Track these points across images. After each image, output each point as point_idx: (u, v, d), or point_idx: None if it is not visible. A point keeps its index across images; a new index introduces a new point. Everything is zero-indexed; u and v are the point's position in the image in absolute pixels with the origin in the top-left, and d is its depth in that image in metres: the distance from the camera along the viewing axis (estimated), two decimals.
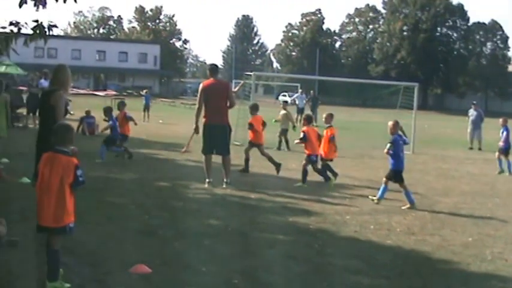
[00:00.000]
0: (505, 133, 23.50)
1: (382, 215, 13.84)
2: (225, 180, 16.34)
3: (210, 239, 10.79)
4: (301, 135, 17.76)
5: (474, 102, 36.56)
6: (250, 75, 30.98)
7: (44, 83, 28.25)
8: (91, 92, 75.06)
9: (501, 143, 23.43)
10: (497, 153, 23.47)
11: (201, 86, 16.67)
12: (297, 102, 46.16)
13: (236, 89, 33.15)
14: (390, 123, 15.40)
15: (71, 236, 8.05)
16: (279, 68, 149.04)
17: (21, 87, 39.52)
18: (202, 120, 16.67)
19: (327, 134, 18.46)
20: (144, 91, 45.79)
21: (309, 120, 18.50)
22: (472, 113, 34.37)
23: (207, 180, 16.39)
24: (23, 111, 30.90)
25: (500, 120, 24.23)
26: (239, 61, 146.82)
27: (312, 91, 54.22)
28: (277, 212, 13.73)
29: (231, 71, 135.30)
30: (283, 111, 27.95)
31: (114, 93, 73.53)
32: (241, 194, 15.52)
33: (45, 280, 7.89)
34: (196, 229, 11.56)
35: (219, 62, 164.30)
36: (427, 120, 46.95)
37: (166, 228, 11.46)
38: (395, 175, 15.21)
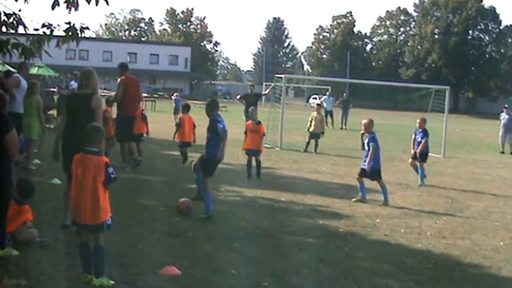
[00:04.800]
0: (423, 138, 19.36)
1: (412, 219, 13.79)
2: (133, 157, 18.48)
3: (240, 241, 10.82)
4: (178, 120, 20.55)
5: (506, 105, 36.14)
6: (281, 77, 30.89)
7: (75, 85, 28.39)
8: None
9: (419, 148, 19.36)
10: (416, 162, 19.57)
11: (119, 80, 18.25)
12: (324, 105, 45.66)
13: (267, 92, 33.20)
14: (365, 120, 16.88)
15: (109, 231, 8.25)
16: (310, 70, 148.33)
17: (52, 89, 39.85)
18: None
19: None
20: (175, 94, 45.73)
21: (187, 109, 21.35)
22: (503, 116, 33.99)
23: (123, 165, 18.10)
24: (53, 112, 31.06)
25: (418, 120, 19.75)
26: (270, 64, 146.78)
27: (344, 93, 53.92)
28: (307, 214, 13.72)
29: (261, 73, 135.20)
30: (317, 115, 27.22)
31: (144, 95, 73.79)
32: (272, 196, 15.52)
33: (76, 280, 8.01)
34: (226, 231, 11.59)
35: (250, 65, 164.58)
36: (458, 124, 46.64)
37: (196, 230, 11.49)
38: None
